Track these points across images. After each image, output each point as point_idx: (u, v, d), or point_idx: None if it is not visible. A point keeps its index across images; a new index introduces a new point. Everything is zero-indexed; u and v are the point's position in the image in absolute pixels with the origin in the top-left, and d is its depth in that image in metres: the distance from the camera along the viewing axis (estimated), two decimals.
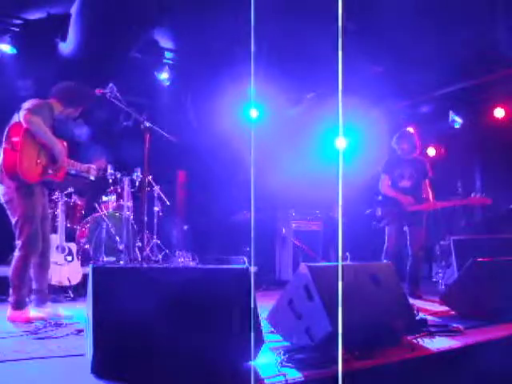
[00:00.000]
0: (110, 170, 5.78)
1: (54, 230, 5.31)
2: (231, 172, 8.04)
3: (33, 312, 3.88)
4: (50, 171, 3.93)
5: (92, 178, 4.44)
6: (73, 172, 4.34)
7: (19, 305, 3.79)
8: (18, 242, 3.80)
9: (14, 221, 3.81)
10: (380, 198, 5.66)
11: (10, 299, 3.81)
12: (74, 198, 6.13)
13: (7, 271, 3.98)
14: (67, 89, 4.08)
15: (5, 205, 3.84)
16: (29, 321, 3.73)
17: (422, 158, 5.80)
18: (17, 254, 3.81)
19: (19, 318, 3.76)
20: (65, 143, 4.10)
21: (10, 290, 3.82)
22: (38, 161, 3.80)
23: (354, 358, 2.55)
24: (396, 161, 5.71)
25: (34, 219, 3.81)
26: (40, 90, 4.19)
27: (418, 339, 3.06)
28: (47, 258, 4.10)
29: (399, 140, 5.69)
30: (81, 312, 3.45)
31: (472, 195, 5.44)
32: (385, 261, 5.23)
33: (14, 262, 3.81)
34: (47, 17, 6.21)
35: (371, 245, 6.64)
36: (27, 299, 3.93)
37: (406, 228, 5.57)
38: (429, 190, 5.59)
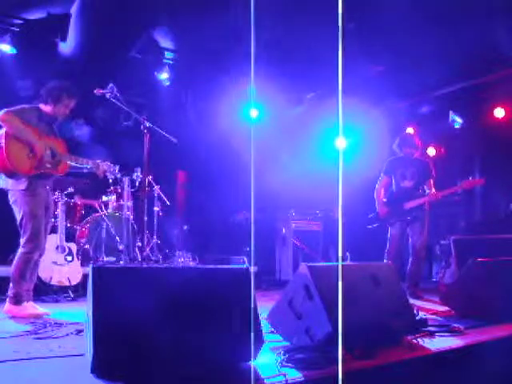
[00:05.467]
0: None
1: (54, 230, 5.32)
2: (231, 172, 8.03)
3: (32, 309, 3.94)
4: (48, 165, 4.02)
5: (111, 175, 4.54)
6: (85, 170, 4.37)
7: (17, 299, 3.88)
8: (22, 240, 3.93)
9: (18, 219, 3.95)
10: (384, 199, 5.66)
11: (9, 293, 3.91)
12: (75, 198, 6.13)
13: (7, 271, 4.03)
14: (46, 88, 4.19)
15: (13, 205, 3.98)
16: (28, 317, 3.79)
17: (425, 160, 5.79)
18: (20, 250, 3.94)
19: (18, 313, 3.84)
20: (61, 141, 4.20)
21: (10, 285, 3.92)
22: (31, 154, 3.91)
23: (354, 357, 2.55)
24: (397, 161, 5.71)
25: (37, 218, 3.94)
26: (40, 90, 4.22)
27: (418, 339, 3.06)
28: (41, 257, 4.20)
29: (401, 144, 5.69)
30: (81, 312, 3.45)
31: (464, 180, 5.42)
32: (385, 261, 5.24)
33: (16, 258, 3.94)
34: (47, 17, 6.22)
35: (371, 245, 6.64)
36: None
37: (407, 228, 5.57)
38: (433, 188, 5.56)
